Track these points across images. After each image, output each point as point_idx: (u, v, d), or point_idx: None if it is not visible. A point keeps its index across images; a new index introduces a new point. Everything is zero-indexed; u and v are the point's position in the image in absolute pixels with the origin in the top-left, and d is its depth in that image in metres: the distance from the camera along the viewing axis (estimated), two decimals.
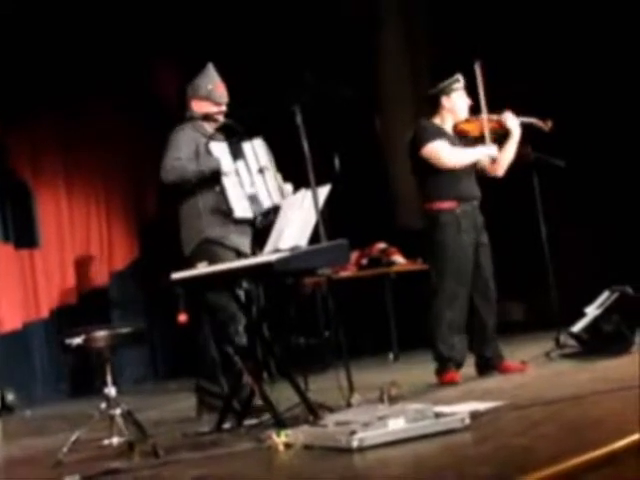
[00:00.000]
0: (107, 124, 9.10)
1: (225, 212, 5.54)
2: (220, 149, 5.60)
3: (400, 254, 8.49)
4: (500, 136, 6.14)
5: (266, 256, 4.83)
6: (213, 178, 5.53)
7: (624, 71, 8.99)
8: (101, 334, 4.75)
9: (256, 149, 5.63)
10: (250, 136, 5.65)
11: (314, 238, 5.01)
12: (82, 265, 9.01)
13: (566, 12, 9.20)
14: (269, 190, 5.60)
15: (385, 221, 9.55)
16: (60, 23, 8.34)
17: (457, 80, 6.17)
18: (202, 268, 5.16)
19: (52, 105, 8.61)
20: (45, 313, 8.66)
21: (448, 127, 6.16)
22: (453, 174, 6.01)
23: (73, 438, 4.60)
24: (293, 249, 4.69)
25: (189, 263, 5.34)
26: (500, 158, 6.15)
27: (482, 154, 6.06)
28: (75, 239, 9.02)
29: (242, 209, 5.55)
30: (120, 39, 8.67)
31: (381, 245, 8.56)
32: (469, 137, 6.14)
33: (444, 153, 5.99)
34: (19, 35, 8.16)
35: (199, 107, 5.76)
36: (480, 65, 5.99)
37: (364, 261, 8.44)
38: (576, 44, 9.16)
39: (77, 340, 4.70)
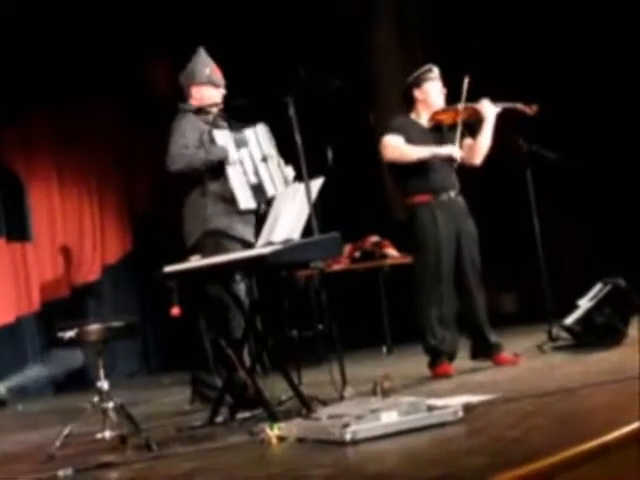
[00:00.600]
0: (99, 118, 9.08)
1: (230, 202, 5.48)
2: (223, 137, 5.52)
3: (393, 247, 8.45)
4: (475, 123, 6.06)
5: (259, 249, 4.81)
6: (219, 167, 5.46)
7: (621, 67, 8.96)
8: (93, 327, 4.73)
9: (259, 136, 5.58)
10: (255, 120, 5.61)
11: (307, 231, 5.00)
12: (74, 259, 8.99)
13: (558, 8, 9.17)
14: (273, 179, 5.55)
15: (378, 214, 9.53)
16: (55, 20, 8.32)
17: (429, 70, 6.06)
18: (195, 261, 5.15)
19: (45, 99, 8.58)
20: (37, 307, 8.63)
21: (424, 120, 6.07)
22: (424, 167, 5.93)
23: (65, 432, 4.58)
24: (286, 242, 4.67)
25: (193, 253, 5.31)
26: (475, 146, 6.04)
27: (434, 154, 5.90)
28: (67, 233, 9.00)
29: (246, 200, 5.50)
30: (113, 35, 8.63)
31: (374, 238, 8.50)
32: (444, 127, 6.04)
33: (388, 146, 5.93)
34: (15, 33, 8.13)
35: (200, 92, 5.65)
36: (469, 80, 5.88)
37: (357, 254, 8.39)
38: (572, 41, 9.15)
39: (69, 333, 4.69)
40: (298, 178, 5.41)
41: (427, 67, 6.07)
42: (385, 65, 9.91)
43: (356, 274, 8.40)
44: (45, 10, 8.17)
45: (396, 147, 5.93)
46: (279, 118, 5.35)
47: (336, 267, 8.10)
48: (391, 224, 8.99)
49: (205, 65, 5.67)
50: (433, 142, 6.01)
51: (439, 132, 6.05)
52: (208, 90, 5.66)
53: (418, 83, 6.04)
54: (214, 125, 5.59)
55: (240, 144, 5.51)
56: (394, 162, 5.96)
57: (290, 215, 4.91)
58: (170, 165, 5.43)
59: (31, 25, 8.20)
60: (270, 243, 4.78)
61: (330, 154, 6.91)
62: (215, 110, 5.65)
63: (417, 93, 6.04)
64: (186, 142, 5.45)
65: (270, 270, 4.93)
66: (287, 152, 5.59)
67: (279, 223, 4.91)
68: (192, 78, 5.68)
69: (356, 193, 9.56)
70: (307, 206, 4.94)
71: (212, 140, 5.49)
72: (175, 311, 5.32)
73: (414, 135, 5.97)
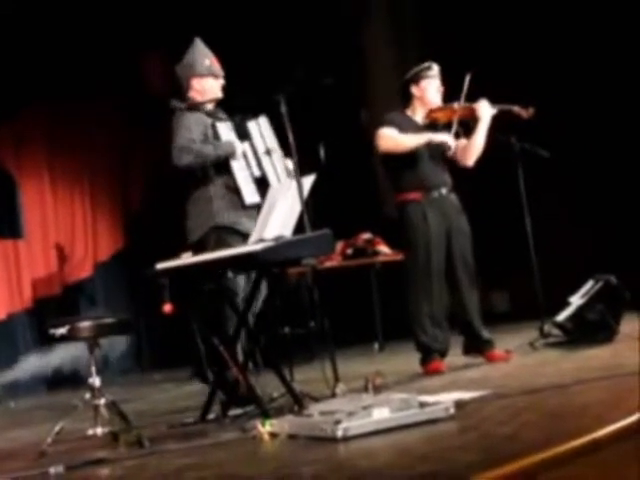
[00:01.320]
0: (92, 116, 9.05)
1: (236, 196, 5.37)
2: (226, 129, 5.43)
3: (385, 244, 8.40)
4: (470, 123, 6.04)
5: (251, 246, 4.77)
6: (224, 161, 5.35)
7: (620, 65, 8.85)
8: (85, 324, 4.73)
9: (262, 128, 5.48)
10: (254, 114, 5.51)
11: (298, 228, 4.99)
12: (66, 256, 8.96)
13: (554, 6, 9.09)
14: (277, 172, 5.48)
15: (371, 211, 9.38)
16: (52, 17, 8.26)
17: (428, 67, 6.03)
18: (186, 258, 5.11)
19: (38, 96, 8.54)
20: (29, 303, 8.61)
21: (419, 117, 6.05)
22: (415, 164, 5.93)
23: (57, 429, 4.58)
24: (277, 239, 4.65)
25: (197, 249, 5.27)
26: (469, 146, 6.02)
27: (429, 139, 5.87)
28: (59, 230, 8.98)
29: (250, 194, 5.40)
30: (107, 31, 8.57)
31: (366, 235, 8.44)
32: (439, 125, 6.01)
33: (383, 137, 5.91)
34: (10, 30, 8.08)
35: (201, 84, 5.51)
36: (470, 76, 5.85)
37: (349, 251, 8.32)
38: (569, 37, 9.06)
39: (61, 330, 4.68)
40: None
41: (426, 64, 6.05)
42: (379, 63, 9.81)
43: (348, 271, 8.33)
44: (41, 7, 8.11)
45: (390, 137, 5.90)
46: (271, 115, 5.35)
47: (328, 264, 8.03)
48: (383, 221, 8.91)
49: (204, 56, 5.56)
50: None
51: (434, 130, 5.99)
52: (208, 81, 5.55)
53: (416, 79, 6.01)
54: (215, 118, 5.48)
55: (243, 136, 5.42)
56: (389, 152, 5.91)
57: (282, 212, 4.85)
58: (178, 159, 5.26)
59: (26, 22, 8.16)
60: (262, 240, 4.72)
61: (322, 151, 6.84)
62: (211, 105, 5.54)
63: (414, 89, 6.02)
64: (192, 136, 5.33)
65: (262, 267, 4.86)
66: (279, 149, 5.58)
67: (271, 220, 4.84)
68: (192, 70, 5.54)
69: (349, 190, 9.45)
70: (299, 203, 4.91)
71: (216, 134, 5.39)
72: (167, 308, 5.20)
73: (408, 130, 5.94)
